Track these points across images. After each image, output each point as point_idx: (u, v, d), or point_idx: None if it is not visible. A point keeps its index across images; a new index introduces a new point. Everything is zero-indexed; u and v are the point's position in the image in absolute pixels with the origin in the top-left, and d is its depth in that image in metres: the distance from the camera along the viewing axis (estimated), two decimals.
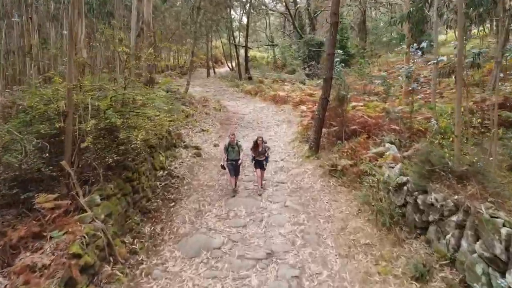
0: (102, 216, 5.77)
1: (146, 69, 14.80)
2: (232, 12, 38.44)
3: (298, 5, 32.08)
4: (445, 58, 10.50)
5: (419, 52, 12.85)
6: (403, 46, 18.31)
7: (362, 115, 12.21)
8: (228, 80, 26.77)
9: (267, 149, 9.13)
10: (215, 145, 12.13)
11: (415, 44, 12.75)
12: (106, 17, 17.01)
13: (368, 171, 8.76)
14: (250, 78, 26.52)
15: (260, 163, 8.93)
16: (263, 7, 33.76)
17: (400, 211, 6.71)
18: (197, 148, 11.54)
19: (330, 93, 10.62)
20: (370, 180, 8.07)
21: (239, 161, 8.81)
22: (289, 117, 15.79)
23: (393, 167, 8.29)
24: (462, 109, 8.76)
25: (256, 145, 8.99)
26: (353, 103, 13.18)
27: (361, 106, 13.79)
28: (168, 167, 9.54)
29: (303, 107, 15.63)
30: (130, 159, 6.94)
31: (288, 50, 30.36)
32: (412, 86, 10.60)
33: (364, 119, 11.91)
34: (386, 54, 26.69)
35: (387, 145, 9.53)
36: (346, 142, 11.02)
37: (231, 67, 33.17)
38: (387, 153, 9.02)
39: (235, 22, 32.07)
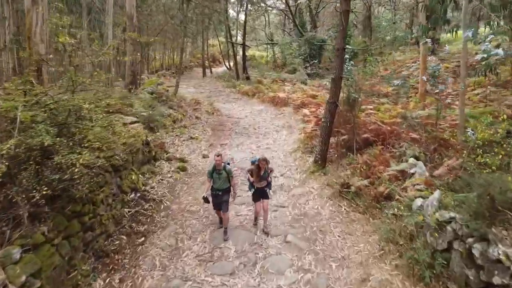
0: (23, 278, 3.94)
1: (129, 68, 12.97)
2: (230, 10, 36.63)
3: (299, 2, 30.19)
4: (500, 51, 8.55)
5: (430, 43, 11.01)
6: (417, 39, 16.51)
7: (375, 121, 10.37)
8: (224, 80, 24.93)
9: (269, 172, 6.64)
10: (204, 156, 10.28)
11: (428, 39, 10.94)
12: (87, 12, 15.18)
13: (391, 194, 6.94)
14: (248, 78, 24.66)
15: (262, 192, 6.54)
16: (262, 4, 31.87)
17: (443, 259, 4.86)
18: (182, 160, 9.69)
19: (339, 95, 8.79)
20: (395, 209, 6.24)
21: (229, 193, 6.47)
22: (289, 122, 13.94)
23: (421, 191, 6.48)
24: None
25: (258, 169, 6.45)
26: (362, 106, 11.36)
27: (371, 109, 11.97)
28: (143, 188, 7.69)
29: (306, 111, 13.78)
30: (77, 187, 5.06)
31: (288, 48, 28.50)
32: (440, 88, 8.76)
33: (377, 125, 10.06)
34: (390, 53, 24.79)
35: (411, 160, 7.69)
36: (358, 154, 9.20)
37: (229, 66, 31.34)
38: (412, 171, 7.19)
39: (233, 19, 30.17)
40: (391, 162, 8.00)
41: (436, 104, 11.42)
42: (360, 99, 9.37)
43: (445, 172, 6.96)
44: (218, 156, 6.39)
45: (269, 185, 6.63)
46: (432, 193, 6.23)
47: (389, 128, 9.73)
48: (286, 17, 34.83)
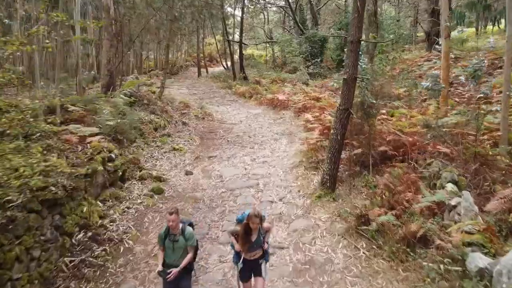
0: None
1: (104, 67, 11.08)
2: (228, 8, 34.75)
3: None
4: None
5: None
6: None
7: (394, 130, 8.48)
8: (220, 80, 23.04)
9: (265, 233, 4.24)
10: (187, 173, 8.39)
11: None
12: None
13: (427, 236, 5.08)
14: (245, 78, 22.77)
15: (253, 267, 4.15)
16: (261, 1, 29.96)
17: None
18: (159, 179, 7.81)
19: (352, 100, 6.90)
20: (441, 267, 4.36)
21: (191, 273, 4.17)
22: (290, 128, 12.06)
23: (471, 233, 4.61)
24: None
25: (247, 232, 4.03)
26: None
27: (384, 115, 10.10)
28: (99, 222, 5.80)
29: (308, 115, 11.88)
30: None
31: (288, 46, 26.60)
32: (482, 92, 6.87)
33: (396, 136, 8.18)
34: (403, 49, 22.73)
35: (449, 186, 5.83)
36: (375, 173, 7.32)
37: (226, 66, 29.45)
38: (453, 202, 5.31)
39: (230, 18, 28.17)
40: (420, 186, 6.13)
41: (463, 109, 9.63)
42: (378, 104, 7.47)
43: (500, 206, 5.08)
44: (171, 214, 3.91)
45: (265, 255, 4.21)
46: (490, 239, 4.37)
47: (410, 139, 7.84)
48: (286, 14, 32.92)
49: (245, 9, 28.73)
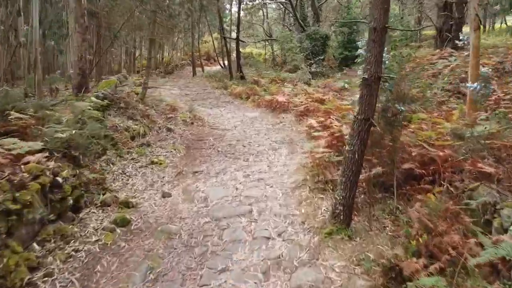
0: None
1: (76, 66, 9.38)
2: (227, 5, 33.02)
3: None
4: None
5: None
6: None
7: (420, 142, 6.77)
8: (216, 80, 21.32)
9: None
10: (164, 195, 6.70)
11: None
12: None
13: None
14: (242, 78, 21.08)
15: None
16: None
17: None
18: (127, 204, 6.11)
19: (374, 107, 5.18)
20: None
21: None
22: (290, 135, 10.37)
23: None
24: None
25: None
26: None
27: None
28: (26, 279, 4.11)
29: (312, 121, 10.16)
30: None
31: (289, 42, 24.88)
32: None
33: (422, 148, 6.48)
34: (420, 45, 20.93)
35: None
36: (400, 198, 5.64)
37: (223, 65, 27.74)
38: None
39: (227, 12, 26.36)
40: (471, 225, 4.45)
41: (499, 112, 7.94)
42: (404, 111, 5.77)
43: None
44: None
45: None
46: None
47: (440, 153, 6.14)
48: (286, 11, 31.16)
49: (243, 5, 27.05)
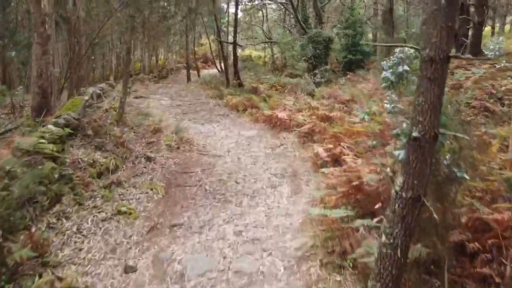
0: None
1: (35, 83, 7.60)
2: (223, 5, 31.21)
3: None
4: None
5: None
6: None
7: (469, 199, 5.03)
8: (211, 87, 19.52)
9: None
10: (127, 270, 4.94)
11: None
12: None
13: None
14: (240, 85, 19.29)
15: None
16: None
17: None
18: None
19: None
20: None
21: None
22: (293, 164, 8.62)
23: None
24: None
25: None
26: None
27: None
28: None
29: (318, 149, 8.42)
30: None
31: (290, 49, 23.12)
32: None
33: (474, 212, 4.74)
34: None
35: None
36: (452, 286, 3.93)
37: (220, 68, 25.91)
38: None
39: (224, 14, 24.41)
40: None
41: None
42: (466, 176, 4.01)
43: None
44: None
45: None
46: None
47: (498, 217, 4.42)
48: (287, 12, 29.29)
49: (241, 6, 25.21)
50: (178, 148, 9.36)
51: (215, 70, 27.35)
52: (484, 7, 14.15)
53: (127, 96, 15.78)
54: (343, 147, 8.19)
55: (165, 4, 17.51)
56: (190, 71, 25.08)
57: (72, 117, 7.50)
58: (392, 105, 5.25)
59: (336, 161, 8.19)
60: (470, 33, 15.22)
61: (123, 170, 7.55)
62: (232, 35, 22.17)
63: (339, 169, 7.12)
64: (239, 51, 30.17)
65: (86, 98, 10.29)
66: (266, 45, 30.59)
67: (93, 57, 13.71)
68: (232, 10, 27.76)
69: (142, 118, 12.09)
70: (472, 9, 16.22)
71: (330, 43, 24.84)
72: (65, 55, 10.95)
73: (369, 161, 7.20)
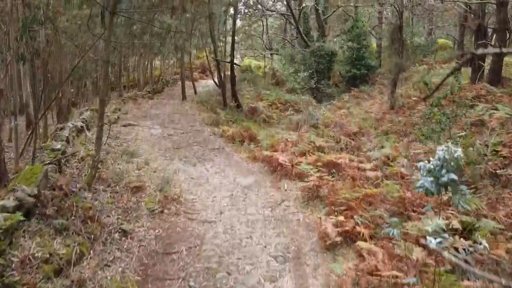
0: None
1: None
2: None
3: (304, 5, 23.08)
4: None
5: None
6: None
7: None
8: (207, 109, 18.06)
9: None
10: None
11: None
12: None
13: None
14: (238, 106, 17.87)
15: None
16: (259, 7, 24.75)
17: None
18: None
19: None
20: None
21: None
22: (297, 238, 7.17)
23: None
24: None
25: None
26: None
27: None
28: None
29: (327, 225, 6.94)
30: None
31: (288, 69, 21.67)
32: None
33: None
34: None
35: None
36: None
37: (217, 82, 24.35)
38: None
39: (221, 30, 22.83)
40: None
41: None
42: None
43: None
44: None
45: None
46: None
47: None
48: (288, 21, 27.77)
49: (241, 15, 23.65)
50: (162, 212, 7.91)
51: (211, 83, 25.88)
52: (507, 31, 12.61)
53: (116, 122, 14.34)
54: (357, 222, 6.75)
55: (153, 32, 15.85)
56: (187, 82, 23.67)
57: (27, 194, 6.04)
58: (438, 240, 3.77)
59: (348, 237, 6.77)
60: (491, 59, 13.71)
61: (90, 258, 6.10)
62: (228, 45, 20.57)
63: (352, 265, 5.70)
64: (238, 61, 28.68)
65: (59, 146, 8.84)
66: (267, 57, 29.13)
67: (71, 89, 12.21)
68: (230, 19, 26.26)
69: (127, 159, 10.69)
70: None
71: (333, 57, 23.43)
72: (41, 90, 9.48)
73: (389, 251, 5.79)
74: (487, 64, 14.41)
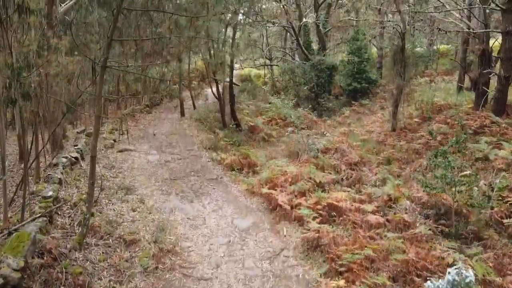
0: None
1: None
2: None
3: (305, 21, 22.58)
4: None
5: None
6: None
7: None
8: (206, 128, 17.69)
9: None
10: None
11: None
12: None
13: None
14: (237, 126, 17.52)
15: None
16: (259, 18, 24.26)
17: None
18: None
19: None
20: None
21: None
22: None
23: None
24: None
25: None
26: None
27: None
28: None
29: (332, 285, 6.61)
30: None
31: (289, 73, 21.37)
32: None
33: None
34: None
35: None
36: None
37: (216, 94, 23.87)
38: None
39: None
40: None
41: None
42: None
43: None
44: None
45: None
46: None
47: None
48: (288, 33, 27.27)
49: (240, 26, 23.16)
50: (156, 268, 7.55)
51: (211, 95, 25.43)
52: None
53: (112, 146, 13.96)
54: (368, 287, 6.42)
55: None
56: (185, 93, 23.38)
57: (13, 269, 5.69)
58: None
59: None
60: (495, 87, 13.28)
61: None
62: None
63: None
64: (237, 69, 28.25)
65: (50, 193, 8.47)
66: (267, 65, 28.68)
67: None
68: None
69: (122, 196, 10.36)
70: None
71: (334, 70, 22.98)
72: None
73: None
74: (491, 90, 14.01)
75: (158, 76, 8.10)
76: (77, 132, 15.71)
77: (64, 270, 6.43)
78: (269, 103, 23.18)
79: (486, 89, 13.78)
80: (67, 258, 6.79)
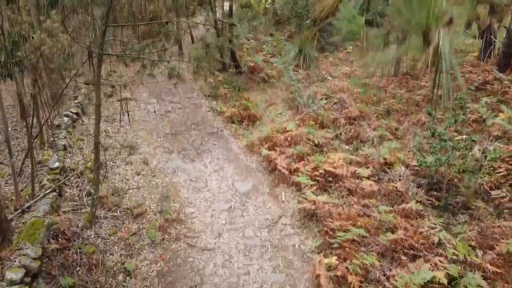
0: None
1: None
2: None
3: None
4: None
5: None
6: None
7: None
8: (205, 72, 17.22)
9: None
10: None
11: None
12: None
13: None
14: (238, 71, 17.11)
15: None
16: None
17: None
18: None
19: None
20: None
21: None
22: (293, 279, 7.46)
23: None
24: None
25: None
26: None
27: None
28: None
29: (325, 261, 7.17)
30: None
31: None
32: None
33: None
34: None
35: None
36: None
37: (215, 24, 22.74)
38: None
39: None
40: None
41: None
42: None
43: None
44: None
45: None
46: None
47: None
48: None
49: None
50: (163, 239, 8.09)
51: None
52: None
53: (112, 95, 13.85)
54: (348, 268, 6.98)
55: None
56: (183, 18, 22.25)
57: (32, 258, 6.14)
58: None
59: (340, 282, 7.07)
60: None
61: None
62: None
63: None
64: None
65: (56, 164, 8.69)
66: None
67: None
68: None
69: (125, 156, 10.61)
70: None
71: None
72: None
73: None
74: (498, 40, 13.44)
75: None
76: (75, 80, 15.37)
77: (78, 250, 6.89)
78: (270, 35, 22.33)
79: (494, 38, 13.20)
80: (80, 237, 7.24)
